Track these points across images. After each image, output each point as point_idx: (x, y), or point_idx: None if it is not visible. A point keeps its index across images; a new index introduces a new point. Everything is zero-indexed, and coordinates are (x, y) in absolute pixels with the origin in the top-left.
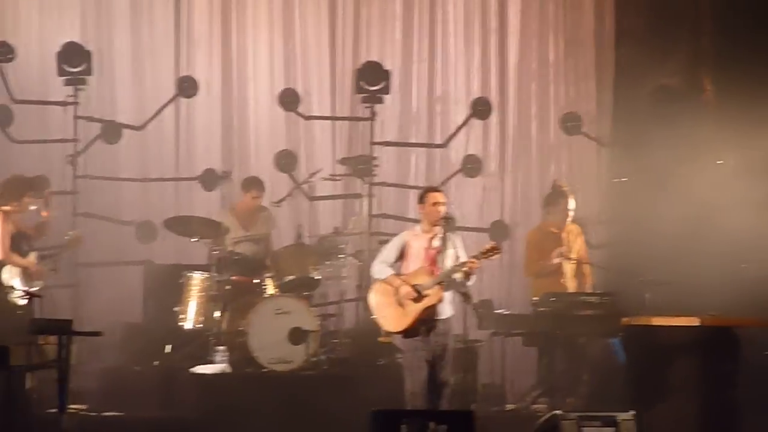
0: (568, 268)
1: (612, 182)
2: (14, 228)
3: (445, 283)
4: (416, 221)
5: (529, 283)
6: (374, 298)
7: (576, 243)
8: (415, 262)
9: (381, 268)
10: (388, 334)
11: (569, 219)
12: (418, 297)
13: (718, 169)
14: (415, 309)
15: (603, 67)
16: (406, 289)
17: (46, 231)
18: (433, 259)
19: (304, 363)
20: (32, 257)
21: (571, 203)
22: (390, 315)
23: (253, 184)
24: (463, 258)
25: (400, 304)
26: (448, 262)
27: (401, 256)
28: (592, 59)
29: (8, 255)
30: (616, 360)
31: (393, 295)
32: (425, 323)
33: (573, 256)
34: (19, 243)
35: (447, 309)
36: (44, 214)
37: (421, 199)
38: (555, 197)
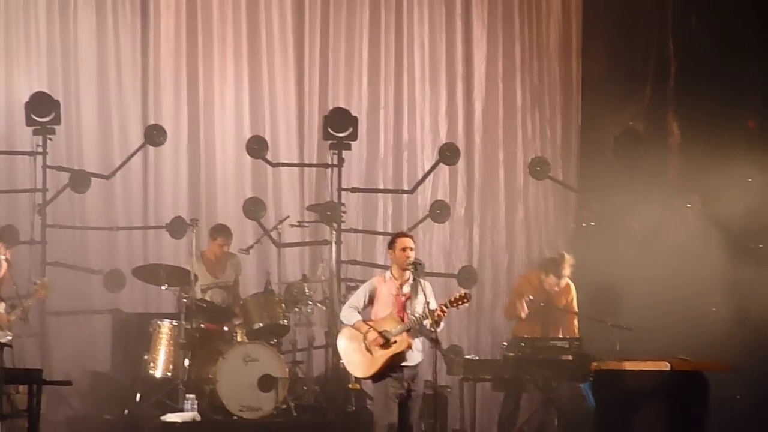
0: (549, 318)
1: (580, 226)
2: None
3: (414, 329)
4: (384, 267)
5: (497, 329)
6: (342, 344)
7: (563, 298)
8: (384, 307)
9: (349, 313)
10: (358, 380)
11: (562, 280)
12: (386, 343)
13: (687, 212)
14: (382, 355)
15: (569, 111)
16: (373, 335)
17: (8, 281)
18: (403, 306)
19: (274, 410)
20: (0, 307)
21: (567, 270)
22: (357, 361)
23: (220, 231)
24: (433, 304)
25: (368, 350)
26: (418, 308)
27: (370, 301)
28: (558, 103)
29: None
30: (586, 404)
31: (360, 340)
32: (393, 369)
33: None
34: None
35: (416, 355)
36: (4, 264)
37: (390, 245)
38: (558, 264)
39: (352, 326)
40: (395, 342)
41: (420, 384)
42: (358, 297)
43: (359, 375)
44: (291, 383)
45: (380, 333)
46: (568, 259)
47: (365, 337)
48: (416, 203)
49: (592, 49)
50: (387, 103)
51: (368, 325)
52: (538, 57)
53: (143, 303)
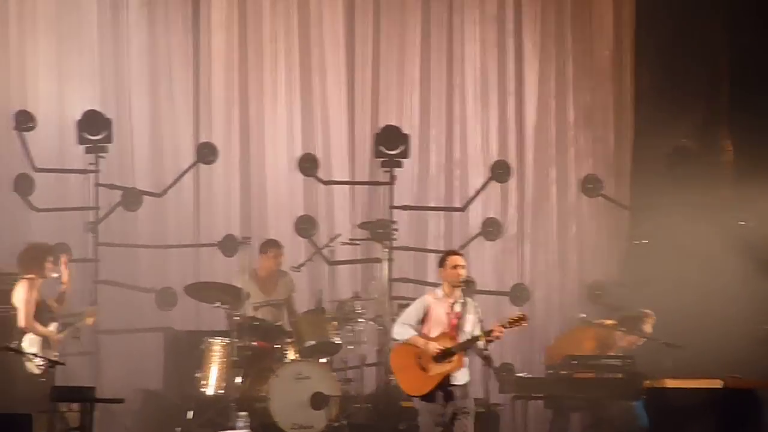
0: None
1: (632, 244)
2: (38, 297)
3: (468, 348)
4: (435, 285)
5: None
6: (395, 360)
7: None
8: (436, 326)
9: (404, 329)
10: (410, 398)
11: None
12: (442, 361)
13: (740, 230)
14: (438, 373)
15: (621, 128)
16: (434, 347)
17: (66, 301)
18: (454, 325)
19: (325, 428)
20: (52, 327)
21: (649, 328)
22: (411, 378)
23: (271, 244)
24: (489, 329)
25: (422, 368)
26: (468, 327)
27: (423, 319)
28: (610, 121)
29: (31, 323)
30: (639, 423)
31: (414, 357)
32: (442, 389)
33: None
34: (41, 312)
35: (465, 374)
36: (63, 282)
37: (441, 263)
38: (640, 319)
39: (407, 341)
40: (450, 361)
41: (471, 402)
42: (411, 314)
43: (412, 392)
44: (343, 401)
45: (442, 348)
46: (651, 316)
47: (420, 353)
48: (468, 221)
49: (645, 66)
50: (439, 120)
51: (426, 340)
52: (590, 74)
53: (195, 321)
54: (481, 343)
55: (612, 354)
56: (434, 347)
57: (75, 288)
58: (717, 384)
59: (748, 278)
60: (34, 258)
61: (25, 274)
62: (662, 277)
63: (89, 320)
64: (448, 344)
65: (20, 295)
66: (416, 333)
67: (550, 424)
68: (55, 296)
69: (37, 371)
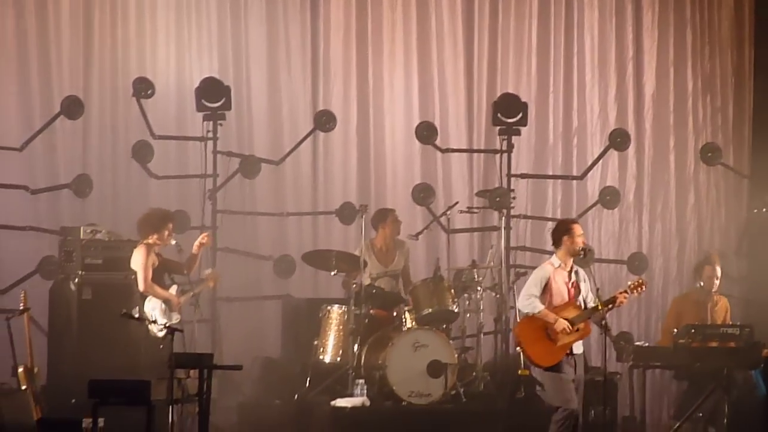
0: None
1: (752, 213)
2: (157, 260)
3: (590, 316)
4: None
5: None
6: (522, 333)
7: (720, 316)
8: (557, 296)
9: (531, 301)
10: (527, 366)
11: (715, 288)
12: (571, 330)
13: None
14: (567, 342)
15: (741, 97)
16: (562, 325)
17: (194, 265)
18: (574, 294)
19: (443, 396)
20: (173, 290)
21: (718, 272)
22: (540, 349)
23: (386, 212)
24: (612, 296)
25: (550, 339)
26: (587, 295)
27: (545, 289)
28: (731, 88)
29: (150, 287)
30: (758, 392)
31: (542, 329)
32: (567, 357)
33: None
34: (161, 275)
35: (579, 345)
36: (204, 240)
37: (565, 231)
38: (701, 267)
39: (537, 314)
40: (577, 330)
41: (583, 373)
42: (535, 285)
43: (544, 364)
44: (460, 369)
45: (570, 321)
46: (716, 255)
47: (548, 325)
48: (586, 189)
49: (764, 35)
50: (556, 88)
51: (554, 313)
52: (710, 43)
53: (313, 289)
54: (603, 311)
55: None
56: (563, 324)
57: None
58: None
59: None
60: (156, 222)
61: (144, 239)
62: None
63: (211, 283)
64: (573, 314)
65: (138, 260)
66: (543, 306)
67: (684, 395)
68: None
69: (158, 335)
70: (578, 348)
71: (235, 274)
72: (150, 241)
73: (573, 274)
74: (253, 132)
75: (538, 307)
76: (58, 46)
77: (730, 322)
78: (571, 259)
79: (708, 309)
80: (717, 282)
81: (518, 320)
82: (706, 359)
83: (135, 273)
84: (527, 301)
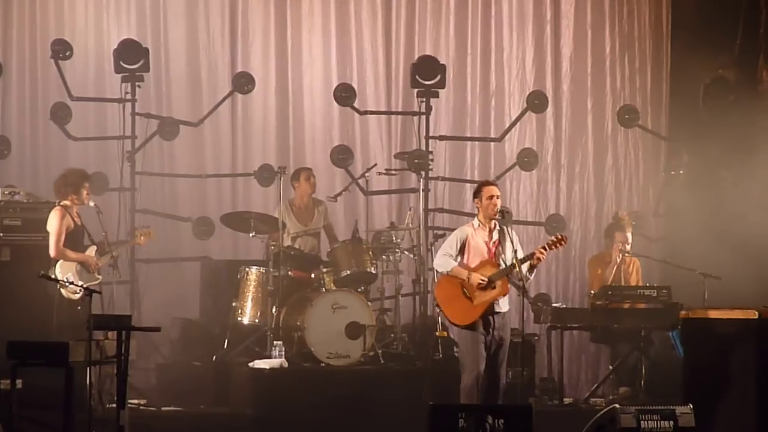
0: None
1: (669, 175)
2: (72, 222)
3: (509, 275)
4: (472, 215)
5: (585, 277)
6: (440, 292)
7: (632, 277)
8: (475, 255)
9: (445, 260)
10: (445, 328)
11: (627, 251)
12: (487, 288)
13: None
14: (483, 300)
15: (658, 59)
16: (476, 278)
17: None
18: (493, 253)
19: (362, 357)
20: (92, 251)
21: (629, 237)
22: (457, 309)
23: (301, 170)
24: (521, 251)
25: (467, 297)
26: (507, 255)
27: (461, 249)
28: (647, 51)
29: (60, 251)
30: (674, 353)
31: (459, 288)
32: (485, 316)
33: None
34: (77, 237)
35: (505, 302)
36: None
37: (477, 194)
38: (611, 230)
39: (450, 273)
40: (494, 287)
41: (508, 332)
42: (451, 244)
43: (460, 323)
44: (379, 331)
45: (485, 278)
46: (625, 216)
47: (464, 283)
48: (504, 151)
49: None
50: (474, 50)
51: (468, 269)
52: (628, 4)
53: (232, 250)
54: (525, 267)
55: (643, 284)
56: (477, 277)
57: (112, 216)
58: (753, 315)
59: None
60: (72, 184)
61: (62, 200)
62: (698, 208)
63: (142, 239)
64: (490, 272)
65: (52, 224)
66: (457, 264)
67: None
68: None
69: (74, 298)
70: (503, 306)
71: (154, 236)
72: (68, 202)
73: (496, 234)
74: (172, 94)
75: (451, 264)
76: None
77: (641, 283)
78: (491, 220)
79: (621, 270)
80: (629, 246)
81: (436, 281)
82: (623, 320)
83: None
84: (441, 260)
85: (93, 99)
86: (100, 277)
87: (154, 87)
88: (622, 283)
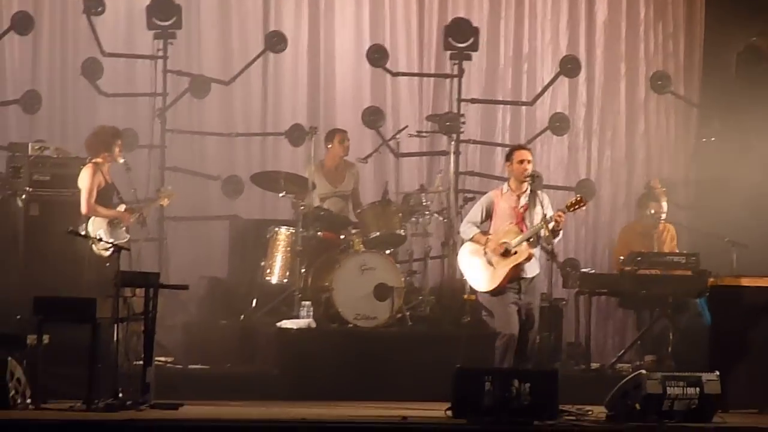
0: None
1: (700, 142)
2: (103, 180)
3: (533, 239)
4: (502, 179)
5: (614, 242)
6: (464, 259)
7: (666, 245)
8: (502, 221)
9: (467, 228)
10: (473, 291)
11: (661, 220)
12: (507, 254)
13: None
14: (504, 267)
15: (692, 26)
16: (493, 244)
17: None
18: (521, 218)
19: (389, 319)
20: (121, 209)
21: (664, 206)
22: (480, 275)
23: (336, 131)
24: (550, 214)
25: (490, 263)
26: (537, 219)
27: (488, 215)
28: (682, 18)
29: (92, 208)
30: (702, 320)
31: (482, 254)
32: (513, 281)
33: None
34: (108, 195)
35: (534, 267)
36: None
37: (508, 157)
38: (645, 200)
39: (471, 239)
40: (515, 252)
41: (537, 296)
42: (476, 211)
43: (482, 289)
44: (406, 293)
45: (501, 243)
46: (657, 185)
47: (486, 248)
48: (535, 116)
49: None
50: (508, 14)
51: (487, 236)
52: None
53: (261, 210)
54: (546, 233)
55: (675, 251)
56: (492, 245)
57: (142, 174)
58: None
59: None
60: (104, 141)
61: (93, 157)
62: (729, 176)
63: (165, 201)
64: (513, 237)
65: (84, 180)
66: (479, 230)
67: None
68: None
69: (104, 255)
70: (531, 271)
71: (183, 194)
72: (99, 159)
73: (524, 198)
74: (203, 52)
75: (472, 231)
76: None
77: (677, 251)
78: (523, 184)
79: (654, 238)
80: (663, 215)
81: (460, 247)
82: (651, 287)
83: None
84: (465, 227)
85: (125, 55)
86: (129, 235)
87: (185, 44)
88: (656, 251)
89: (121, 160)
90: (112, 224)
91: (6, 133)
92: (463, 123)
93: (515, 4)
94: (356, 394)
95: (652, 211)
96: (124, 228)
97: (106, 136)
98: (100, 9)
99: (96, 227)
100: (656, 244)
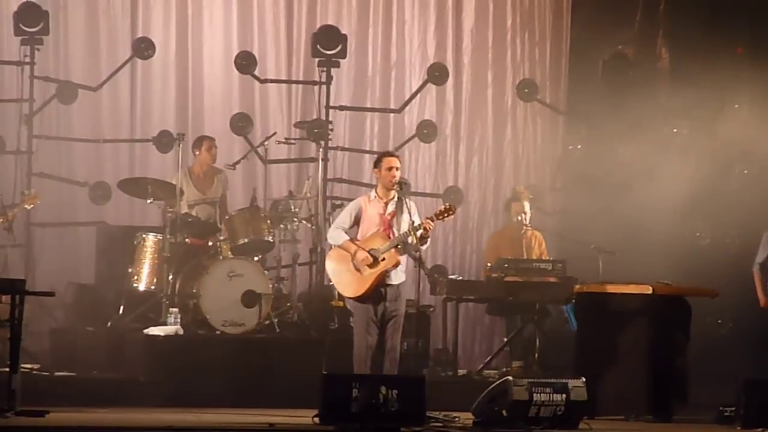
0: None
1: (566, 149)
2: None
3: (401, 246)
4: (371, 186)
5: (482, 249)
6: (330, 265)
7: (534, 251)
8: (370, 227)
9: (336, 233)
10: (341, 297)
11: (525, 223)
12: (374, 262)
13: (673, 137)
14: (371, 274)
15: (559, 33)
16: (362, 255)
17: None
18: (388, 224)
19: (257, 326)
20: None
21: (527, 210)
22: (347, 281)
23: (203, 138)
24: (418, 222)
25: (357, 270)
26: (404, 226)
27: (356, 221)
28: (549, 26)
29: None
30: (568, 327)
31: (349, 260)
32: (378, 288)
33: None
34: None
35: (400, 274)
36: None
37: (376, 164)
38: (508, 201)
39: (340, 246)
40: (383, 259)
41: (402, 304)
42: (344, 217)
43: (349, 295)
44: (275, 299)
45: (369, 252)
46: (522, 189)
47: (354, 257)
48: (403, 123)
49: None
50: (376, 21)
51: (356, 244)
52: None
53: (128, 216)
54: (411, 240)
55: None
56: (362, 254)
57: (8, 180)
58: (646, 290)
59: (682, 185)
60: None
61: None
62: (595, 183)
63: (29, 204)
64: (380, 244)
65: None
66: (348, 237)
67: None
68: None
69: None
70: (397, 278)
71: (50, 200)
72: None
73: (392, 206)
74: (71, 57)
75: (341, 237)
76: None
77: (546, 257)
78: (390, 191)
79: (522, 244)
80: (527, 217)
81: (328, 252)
82: (518, 293)
83: None
84: (333, 232)
85: None
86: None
87: (52, 50)
88: (524, 257)
89: None
90: None
91: None
92: (332, 130)
93: (383, 11)
94: (224, 400)
95: (519, 218)
96: None
97: None
98: None
99: None
100: (525, 250)
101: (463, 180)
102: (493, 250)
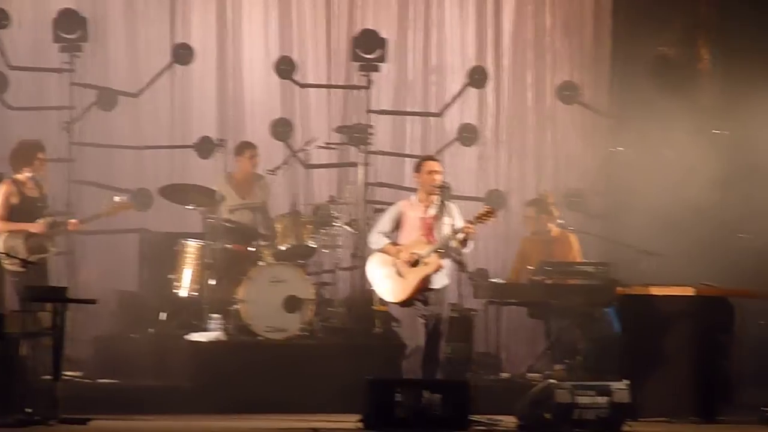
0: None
1: (609, 152)
2: (22, 194)
3: (443, 250)
4: (412, 190)
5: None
6: (373, 269)
7: (569, 254)
8: (411, 231)
9: (377, 238)
10: (384, 302)
11: (555, 226)
12: (417, 264)
13: (716, 139)
14: (415, 278)
15: (600, 35)
16: (405, 255)
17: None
18: (430, 228)
19: (299, 331)
20: (40, 222)
21: (553, 211)
22: (390, 286)
23: (246, 146)
24: (459, 225)
25: (400, 274)
26: (445, 230)
27: (397, 226)
28: (589, 28)
29: (3, 224)
30: (611, 329)
31: (392, 265)
32: (421, 292)
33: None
34: (28, 209)
35: (442, 278)
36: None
37: (417, 168)
38: (537, 207)
39: (382, 250)
40: (426, 264)
41: (444, 308)
42: (385, 221)
43: (393, 300)
44: (317, 305)
45: (411, 254)
46: (549, 195)
47: (396, 259)
48: (444, 126)
49: None
50: (416, 25)
51: (397, 247)
52: None
53: (170, 223)
54: (455, 244)
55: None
56: (404, 255)
57: (50, 187)
58: (689, 291)
59: (726, 187)
60: (23, 155)
61: (15, 172)
62: (639, 185)
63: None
64: (423, 248)
65: None
66: (389, 241)
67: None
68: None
69: (12, 268)
70: (440, 282)
71: (91, 207)
72: (20, 176)
73: (433, 209)
74: (111, 64)
75: (382, 242)
76: None
77: (580, 259)
78: (431, 195)
79: (554, 248)
80: (556, 221)
81: (369, 257)
82: (561, 296)
83: None
84: (374, 237)
85: (31, 68)
86: (54, 248)
87: (92, 57)
88: (548, 260)
89: (43, 174)
90: (30, 238)
91: None
92: (372, 134)
93: (423, 15)
94: (267, 406)
95: (540, 221)
96: (47, 242)
97: (25, 150)
98: (5, 22)
99: (5, 242)
100: (557, 253)
101: (505, 183)
102: (521, 253)
